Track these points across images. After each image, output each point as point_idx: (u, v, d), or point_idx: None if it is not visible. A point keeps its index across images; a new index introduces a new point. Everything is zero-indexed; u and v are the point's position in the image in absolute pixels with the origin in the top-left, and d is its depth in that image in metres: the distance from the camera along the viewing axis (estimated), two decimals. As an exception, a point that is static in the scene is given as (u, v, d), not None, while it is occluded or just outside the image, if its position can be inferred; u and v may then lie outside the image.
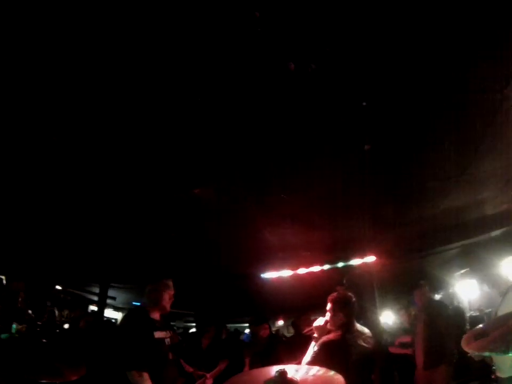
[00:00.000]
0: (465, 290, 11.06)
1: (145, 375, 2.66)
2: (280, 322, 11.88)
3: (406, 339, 5.83)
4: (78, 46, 2.29)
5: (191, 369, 6.14)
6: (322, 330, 3.05)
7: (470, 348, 2.14)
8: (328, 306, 3.05)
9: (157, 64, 2.51)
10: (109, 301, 10.16)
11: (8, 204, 4.43)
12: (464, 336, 2.28)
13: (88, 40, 2.26)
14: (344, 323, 2.95)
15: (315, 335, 3.07)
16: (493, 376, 3.76)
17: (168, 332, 3.16)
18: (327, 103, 2.97)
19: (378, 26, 2.37)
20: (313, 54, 2.52)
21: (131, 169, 3.87)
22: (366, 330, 3.09)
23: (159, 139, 3.33)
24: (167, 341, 3.07)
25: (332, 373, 1.94)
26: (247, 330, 11.71)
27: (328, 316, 3.05)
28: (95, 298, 10.18)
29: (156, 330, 2.94)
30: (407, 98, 3.01)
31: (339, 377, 1.87)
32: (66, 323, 7.93)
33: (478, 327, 2.37)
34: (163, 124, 3.14)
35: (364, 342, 2.91)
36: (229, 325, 13.14)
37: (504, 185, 5.10)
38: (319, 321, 3.16)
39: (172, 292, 3.15)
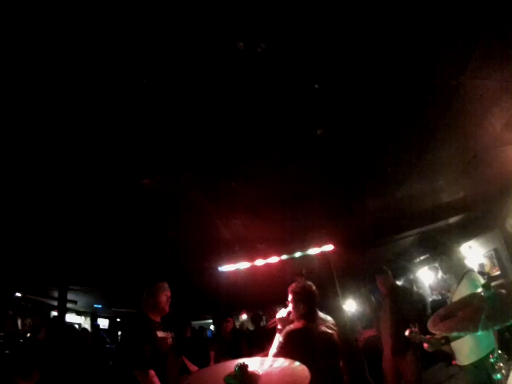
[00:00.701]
0: (426, 276, 11.41)
1: (151, 373, 2.80)
2: (244, 316, 11.83)
3: (371, 333, 5.86)
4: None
5: (195, 368, 6.04)
6: (286, 321, 3.08)
7: (437, 330, 2.14)
8: (289, 297, 3.06)
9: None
10: (69, 305, 9.73)
11: None
12: (430, 319, 2.27)
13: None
14: (306, 312, 2.96)
15: (279, 326, 3.09)
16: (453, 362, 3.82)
17: (169, 332, 3.27)
18: (278, 85, 2.80)
19: (331, 6, 2.22)
20: (263, 32, 2.34)
21: (74, 163, 3.57)
22: (329, 318, 3.11)
23: (101, 126, 3.04)
24: (169, 340, 3.20)
25: (296, 364, 1.92)
26: (212, 327, 11.55)
27: (290, 306, 3.07)
28: (52, 302, 9.76)
29: (158, 330, 3.09)
30: (363, 82, 2.88)
31: (303, 368, 1.86)
32: (28, 332, 7.53)
33: (442, 309, 2.36)
34: (105, 110, 2.86)
35: (328, 329, 2.93)
36: (194, 322, 12.98)
37: (460, 173, 5.16)
38: (282, 313, 3.19)
39: (168, 293, 3.27)
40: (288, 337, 2.83)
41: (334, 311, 5.63)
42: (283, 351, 2.70)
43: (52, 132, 3.02)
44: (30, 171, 3.56)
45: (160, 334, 3.07)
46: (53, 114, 2.79)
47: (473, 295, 2.26)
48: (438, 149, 4.26)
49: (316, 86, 2.84)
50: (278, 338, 2.98)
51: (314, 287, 3.09)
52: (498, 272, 6.85)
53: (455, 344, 3.53)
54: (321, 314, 3.07)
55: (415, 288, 9.79)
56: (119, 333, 10.41)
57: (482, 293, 2.07)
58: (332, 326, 3.00)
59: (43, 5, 1.93)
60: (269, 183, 3.92)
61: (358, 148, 3.72)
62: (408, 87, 3.07)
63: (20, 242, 5.38)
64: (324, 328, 2.92)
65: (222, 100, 2.87)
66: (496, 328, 1.94)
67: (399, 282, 10.60)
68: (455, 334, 2.09)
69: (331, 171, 4.01)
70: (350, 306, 11.25)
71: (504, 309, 1.90)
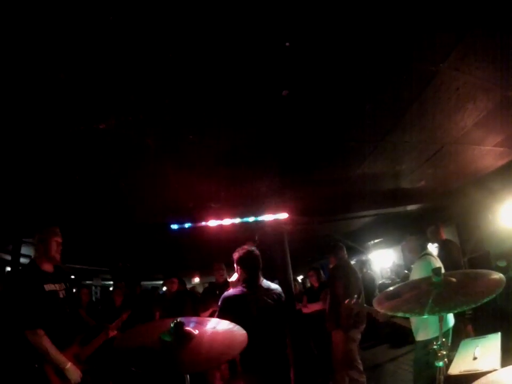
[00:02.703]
0: (378, 260, 11.83)
1: (40, 332, 2.63)
2: (196, 280, 11.92)
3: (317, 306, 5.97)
4: None
5: (93, 322, 5.96)
6: (236, 286, 3.08)
7: (382, 308, 2.12)
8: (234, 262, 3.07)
9: None
10: (23, 260, 9.36)
11: None
12: (376, 297, 2.28)
13: None
14: (246, 279, 2.97)
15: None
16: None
17: (62, 284, 3.03)
18: (245, 41, 2.63)
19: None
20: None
21: (28, 101, 3.26)
22: (273, 286, 3.09)
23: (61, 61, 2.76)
24: (62, 293, 2.97)
25: (236, 327, 1.95)
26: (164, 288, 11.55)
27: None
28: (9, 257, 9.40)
29: (47, 282, 2.85)
30: (337, 45, 2.74)
31: (242, 333, 1.88)
32: None
33: (389, 289, 2.36)
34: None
35: (268, 298, 2.92)
36: (147, 282, 12.91)
37: (424, 162, 5.21)
38: (233, 277, 3.25)
39: (59, 240, 3.04)
40: (224, 302, 2.85)
41: (283, 281, 5.70)
42: (220, 315, 2.71)
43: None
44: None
45: (49, 287, 2.85)
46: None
47: (423, 279, 2.26)
48: (405, 132, 4.25)
49: (287, 44, 2.70)
50: None
51: (258, 254, 3.05)
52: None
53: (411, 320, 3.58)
54: (265, 283, 3.04)
55: (365, 270, 10.11)
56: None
57: (432, 278, 2.06)
58: (275, 296, 2.98)
59: None
60: (229, 141, 3.78)
61: (323, 115, 3.63)
62: (385, 63, 2.97)
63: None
64: (263, 297, 2.91)
65: (183, 51, 2.67)
66: (442, 314, 1.96)
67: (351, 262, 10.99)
68: (399, 314, 2.03)
69: (293, 137, 3.91)
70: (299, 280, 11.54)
71: (452, 297, 1.89)
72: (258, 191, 4.66)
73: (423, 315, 1.83)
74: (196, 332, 1.82)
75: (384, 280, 10.30)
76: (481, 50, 2.93)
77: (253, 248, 3.12)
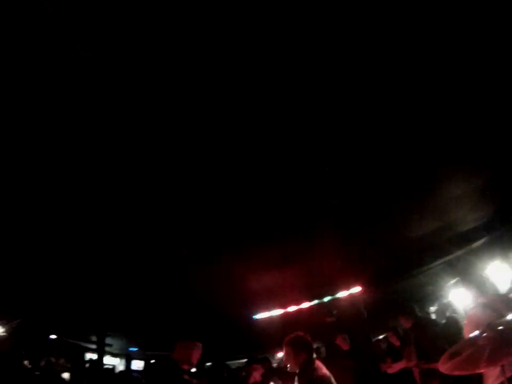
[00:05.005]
0: (459, 299, 11.17)
1: None
2: (280, 355, 11.81)
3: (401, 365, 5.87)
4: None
5: None
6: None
7: (444, 369, 2.01)
8: (286, 349, 2.97)
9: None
10: (106, 348, 10.16)
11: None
12: (443, 356, 2.11)
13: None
14: (305, 359, 2.90)
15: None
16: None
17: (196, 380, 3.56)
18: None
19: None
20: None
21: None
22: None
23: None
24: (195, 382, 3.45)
25: None
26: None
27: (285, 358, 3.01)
28: (91, 346, 10.24)
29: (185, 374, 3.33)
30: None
31: None
32: (63, 372, 7.78)
33: (455, 345, 2.15)
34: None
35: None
36: (230, 362, 12.96)
37: (472, 206, 5.40)
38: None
39: (200, 352, 3.52)
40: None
41: (361, 349, 5.74)
42: None
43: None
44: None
45: (187, 377, 3.35)
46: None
47: (480, 334, 1.96)
48: (448, 188, 4.55)
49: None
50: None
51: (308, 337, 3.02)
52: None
53: None
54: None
55: (448, 313, 9.65)
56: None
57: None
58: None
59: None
60: (294, 243, 4.36)
61: (372, 206, 4.11)
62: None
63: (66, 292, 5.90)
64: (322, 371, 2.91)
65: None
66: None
67: (433, 308, 10.51)
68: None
69: (351, 224, 4.37)
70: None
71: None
72: (329, 273, 5.03)
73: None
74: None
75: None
76: None
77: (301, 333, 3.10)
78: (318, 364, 2.97)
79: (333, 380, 2.83)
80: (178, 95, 2.53)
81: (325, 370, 2.90)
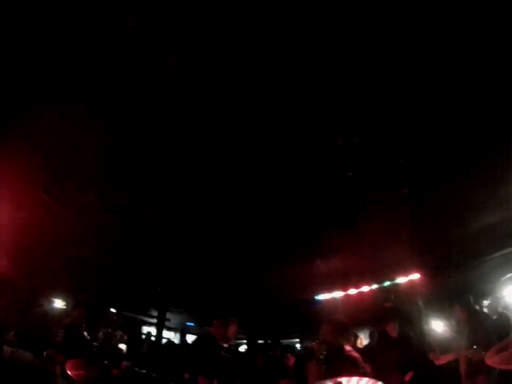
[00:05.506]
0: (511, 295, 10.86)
1: (215, 382, 3.29)
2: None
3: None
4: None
5: None
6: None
7: (491, 362, 2.11)
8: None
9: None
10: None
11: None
12: (490, 350, 2.22)
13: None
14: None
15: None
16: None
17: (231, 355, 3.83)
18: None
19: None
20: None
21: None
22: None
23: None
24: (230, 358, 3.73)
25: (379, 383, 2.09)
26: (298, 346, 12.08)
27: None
28: (148, 320, 11.22)
29: (222, 350, 3.62)
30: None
31: None
32: (120, 343, 8.37)
33: (504, 340, 2.31)
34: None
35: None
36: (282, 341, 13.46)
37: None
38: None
39: (236, 328, 3.82)
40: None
41: (418, 331, 5.97)
42: None
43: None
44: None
45: (224, 353, 3.59)
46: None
47: None
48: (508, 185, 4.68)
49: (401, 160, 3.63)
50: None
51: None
52: None
53: None
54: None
55: (499, 309, 9.53)
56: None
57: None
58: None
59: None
60: (361, 230, 4.75)
61: (438, 196, 4.39)
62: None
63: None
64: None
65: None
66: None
67: (486, 302, 10.40)
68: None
69: (417, 214, 4.68)
70: (436, 326, 11.10)
71: None
72: (391, 258, 5.38)
73: None
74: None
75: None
76: None
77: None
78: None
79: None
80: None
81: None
